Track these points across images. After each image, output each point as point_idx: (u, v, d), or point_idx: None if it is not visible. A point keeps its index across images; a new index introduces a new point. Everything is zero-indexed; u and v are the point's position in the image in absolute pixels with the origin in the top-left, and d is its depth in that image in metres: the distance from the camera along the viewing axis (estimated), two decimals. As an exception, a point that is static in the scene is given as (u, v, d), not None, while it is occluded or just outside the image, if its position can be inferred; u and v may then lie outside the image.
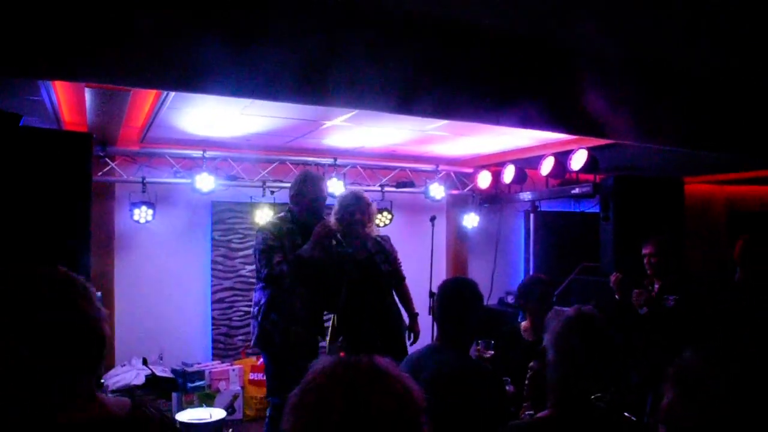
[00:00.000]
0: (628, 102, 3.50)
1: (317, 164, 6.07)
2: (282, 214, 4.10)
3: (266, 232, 3.88)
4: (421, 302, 4.63)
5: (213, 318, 6.03)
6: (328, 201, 4.19)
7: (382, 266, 4.20)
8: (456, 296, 2.77)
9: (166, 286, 5.84)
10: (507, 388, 3.04)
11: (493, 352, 3.45)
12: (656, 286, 4.34)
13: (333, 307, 4.24)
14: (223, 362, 5.80)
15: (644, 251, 4.39)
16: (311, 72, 2.74)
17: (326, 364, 1.22)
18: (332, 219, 4.17)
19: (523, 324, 3.93)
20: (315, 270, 3.88)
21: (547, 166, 5.71)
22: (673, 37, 3.08)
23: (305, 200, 3.96)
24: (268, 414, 4.10)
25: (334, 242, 4.03)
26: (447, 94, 3.11)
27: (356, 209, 4.14)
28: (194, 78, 2.58)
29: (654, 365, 4.22)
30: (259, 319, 3.88)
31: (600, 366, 2.02)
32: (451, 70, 3.07)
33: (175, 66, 2.53)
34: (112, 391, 4.94)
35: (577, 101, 3.35)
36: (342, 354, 4.14)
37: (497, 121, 3.36)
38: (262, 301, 3.89)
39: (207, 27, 2.51)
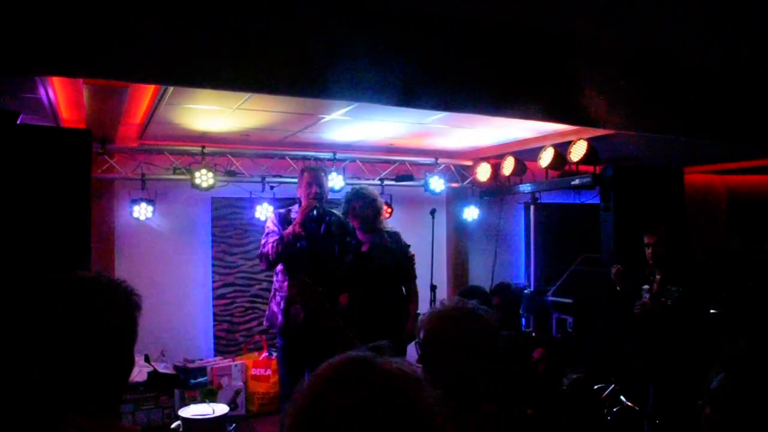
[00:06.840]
0: (626, 92, 3.48)
1: (317, 158, 6.06)
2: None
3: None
4: (422, 295, 4.62)
5: (214, 314, 6.03)
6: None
7: (384, 261, 4.26)
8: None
9: (167, 283, 5.83)
10: None
11: None
12: (658, 277, 4.35)
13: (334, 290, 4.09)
14: (225, 358, 5.80)
15: (646, 241, 4.39)
16: (312, 68, 2.73)
17: (328, 365, 1.12)
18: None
19: None
20: (298, 248, 3.97)
21: (546, 157, 5.70)
22: (672, 27, 3.06)
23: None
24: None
25: (314, 213, 3.99)
26: (447, 88, 3.10)
27: (362, 204, 4.29)
28: (192, 72, 2.57)
29: (653, 358, 4.25)
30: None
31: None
32: (451, 64, 3.06)
33: (173, 60, 2.52)
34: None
35: (576, 92, 3.33)
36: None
37: (497, 113, 3.37)
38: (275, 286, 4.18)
39: (207, 22, 2.50)
